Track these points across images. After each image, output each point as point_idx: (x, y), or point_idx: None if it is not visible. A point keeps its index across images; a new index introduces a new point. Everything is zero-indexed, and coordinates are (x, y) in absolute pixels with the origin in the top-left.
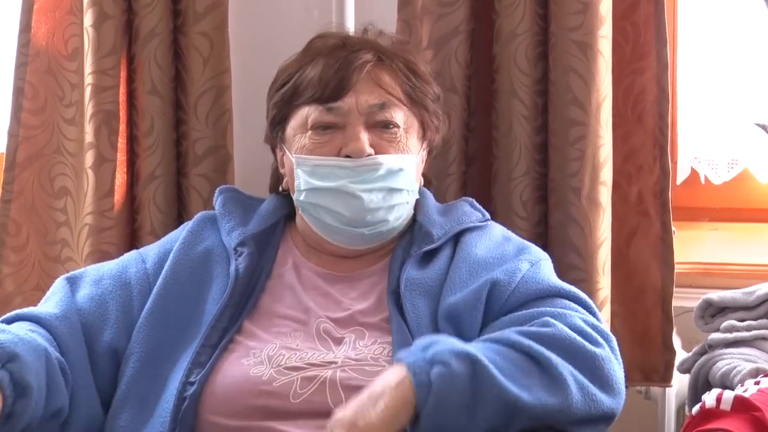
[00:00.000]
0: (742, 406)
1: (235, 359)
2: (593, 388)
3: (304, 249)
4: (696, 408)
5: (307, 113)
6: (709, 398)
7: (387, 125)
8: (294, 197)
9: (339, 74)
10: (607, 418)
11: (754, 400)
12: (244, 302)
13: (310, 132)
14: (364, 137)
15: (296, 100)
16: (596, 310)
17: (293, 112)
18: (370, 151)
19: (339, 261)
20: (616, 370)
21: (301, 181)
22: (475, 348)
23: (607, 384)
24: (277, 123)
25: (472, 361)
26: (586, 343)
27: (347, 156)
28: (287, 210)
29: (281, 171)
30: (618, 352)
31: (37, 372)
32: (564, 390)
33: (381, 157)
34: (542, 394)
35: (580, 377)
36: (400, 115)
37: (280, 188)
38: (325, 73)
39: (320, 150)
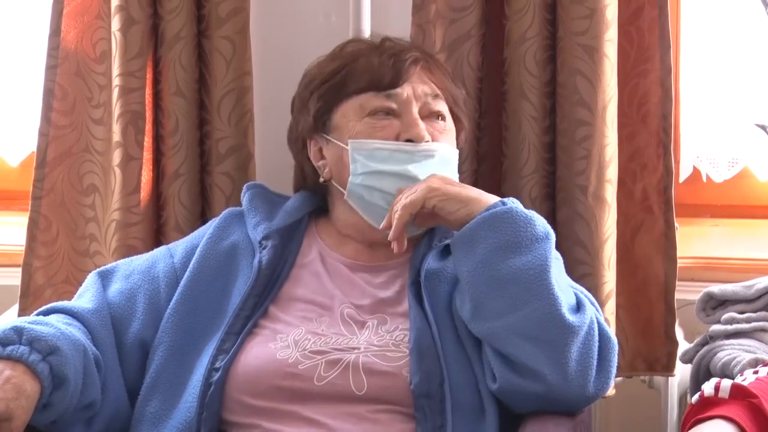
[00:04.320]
0: (739, 393)
1: (261, 342)
2: (594, 361)
3: (330, 241)
4: (695, 397)
5: (362, 101)
6: (707, 387)
7: (438, 116)
8: (349, 181)
9: (396, 66)
10: (581, 396)
11: (751, 387)
12: (268, 291)
13: (366, 118)
14: (422, 124)
15: (347, 89)
16: (600, 308)
17: (342, 101)
18: (429, 137)
19: (364, 252)
20: (599, 370)
21: (359, 164)
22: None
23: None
24: (322, 114)
25: (546, 233)
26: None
27: (408, 140)
28: (312, 207)
29: (319, 164)
30: (612, 358)
31: (75, 366)
32: (579, 327)
33: (436, 145)
34: (568, 312)
35: (592, 347)
36: (446, 109)
37: (321, 179)
38: (382, 65)
39: (378, 134)
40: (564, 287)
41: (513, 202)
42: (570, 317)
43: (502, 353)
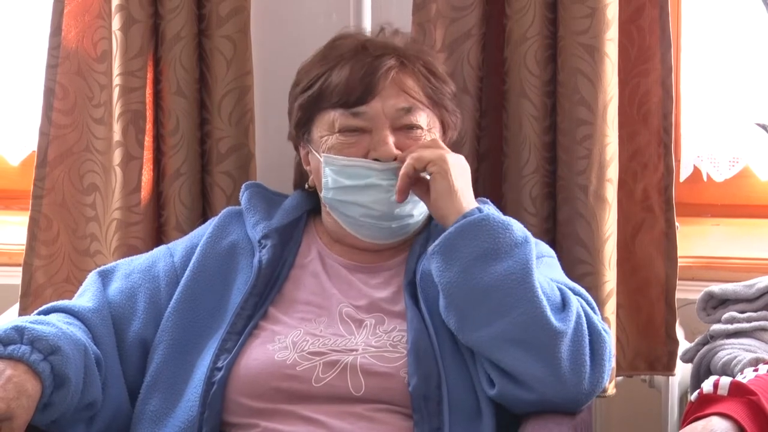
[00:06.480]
0: (738, 390)
1: (260, 344)
2: (587, 358)
3: (327, 241)
4: (695, 395)
5: (333, 117)
6: (706, 385)
7: (412, 127)
8: (321, 194)
9: (365, 80)
10: (577, 396)
11: (750, 385)
12: (269, 291)
13: (337, 134)
14: (391, 141)
15: (322, 103)
16: (596, 306)
17: (318, 114)
18: (398, 153)
19: (361, 253)
20: (594, 367)
21: (329, 179)
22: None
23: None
24: (303, 124)
25: (525, 237)
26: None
27: (375, 159)
28: (310, 205)
29: (306, 168)
30: (604, 350)
31: (76, 366)
32: (564, 328)
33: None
34: (553, 314)
35: (582, 344)
36: (423, 118)
37: (306, 186)
38: (352, 79)
39: (348, 151)
40: (548, 287)
41: (489, 208)
42: (555, 319)
43: (495, 362)
